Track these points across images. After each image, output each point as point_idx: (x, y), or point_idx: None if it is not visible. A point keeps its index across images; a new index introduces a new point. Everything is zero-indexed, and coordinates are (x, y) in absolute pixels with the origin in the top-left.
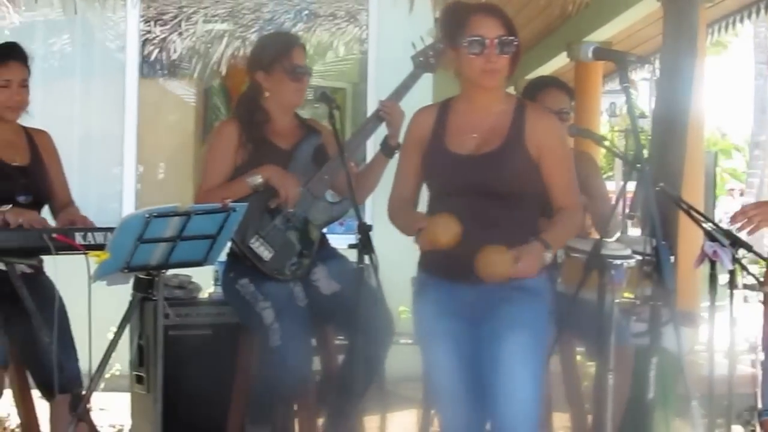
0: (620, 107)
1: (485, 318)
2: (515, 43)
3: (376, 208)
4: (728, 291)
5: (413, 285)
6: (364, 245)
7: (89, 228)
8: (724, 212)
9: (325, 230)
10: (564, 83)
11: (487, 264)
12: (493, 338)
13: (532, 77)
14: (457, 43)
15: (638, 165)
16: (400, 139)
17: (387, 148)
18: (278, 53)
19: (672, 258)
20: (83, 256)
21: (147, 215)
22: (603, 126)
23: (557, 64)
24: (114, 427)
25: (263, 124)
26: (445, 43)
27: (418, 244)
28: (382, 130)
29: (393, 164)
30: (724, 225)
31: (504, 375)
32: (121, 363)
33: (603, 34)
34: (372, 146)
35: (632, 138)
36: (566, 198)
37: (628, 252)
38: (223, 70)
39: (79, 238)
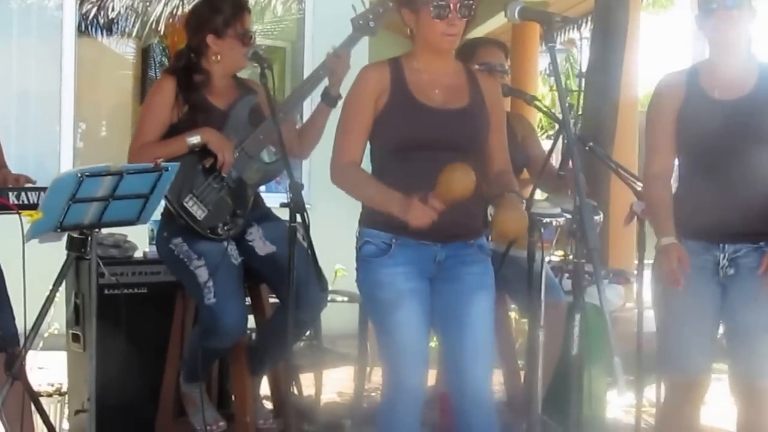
0: (560, 66)
1: (451, 277)
2: (474, 6)
3: (313, 164)
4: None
5: (365, 244)
6: (296, 204)
7: (22, 188)
8: None
9: (263, 188)
10: (499, 41)
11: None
12: (462, 298)
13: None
14: (416, 5)
15: (562, 122)
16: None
17: (329, 98)
18: (231, 18)
19: (600, 217)
20: (17, 216)
21: (79, 174)
22: (542, 86)
23: (494, 24)
24: (53, 385)
25: (202, 84)
26: (401, 4)
27: (409, 219)
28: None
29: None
30: None
31: (474, 334)
32: (59, 322)
33: None
34: (308, 107)
35: (571, 98)
36: (507, 161)
37: (557, 210)
38: (162, 29)
39: (12, 198)
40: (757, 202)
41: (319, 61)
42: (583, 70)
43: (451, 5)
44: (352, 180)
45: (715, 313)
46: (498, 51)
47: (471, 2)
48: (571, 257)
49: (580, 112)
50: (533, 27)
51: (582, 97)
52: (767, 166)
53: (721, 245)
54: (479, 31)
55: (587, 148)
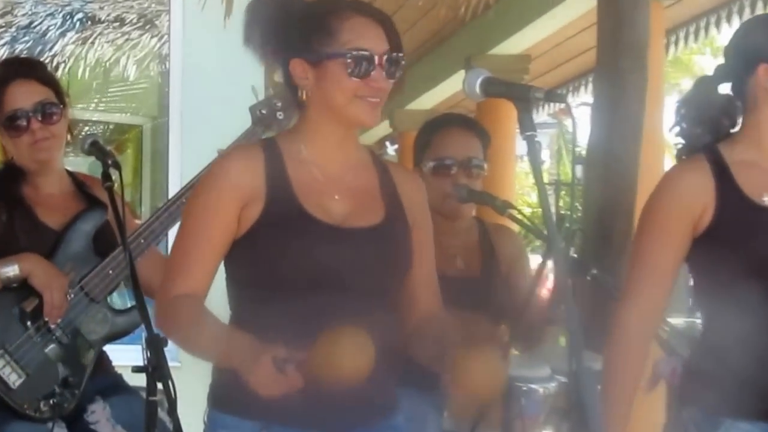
0: (549, 145)
1: None
2: (403, 63)
3: None
4: None
5: None
6: (156, 368)
7: None
8: None
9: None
10: (473, 121)
11: (481, 375)
12: None
13: (415, 108)
14: (318, 54)
15: (549, 242)
16: None
17: None
18: None
19: None
20: None
21: None
22: (521, 176)
23: (451, 88)
24: None
25: (20, 192)
26: (290, 52)
27: (260, 389)
28: None
29: None
30: None
31: None
32: None
33: (517, 44)
34: None
35: (566, 194)
36: (436, 295)
37: (545, 372)
38: None
39: None
40: None
41: (191, 145)
42: (583, 152)
43: (377, 58)
44: (183, 320)
45: None
46: (467, 136)
47: (401, 56)
48: None
49: (577, 224)
50: None
51: (581, 192)
52: None
53: None
54: (429, 99)
55: (589, 278)
